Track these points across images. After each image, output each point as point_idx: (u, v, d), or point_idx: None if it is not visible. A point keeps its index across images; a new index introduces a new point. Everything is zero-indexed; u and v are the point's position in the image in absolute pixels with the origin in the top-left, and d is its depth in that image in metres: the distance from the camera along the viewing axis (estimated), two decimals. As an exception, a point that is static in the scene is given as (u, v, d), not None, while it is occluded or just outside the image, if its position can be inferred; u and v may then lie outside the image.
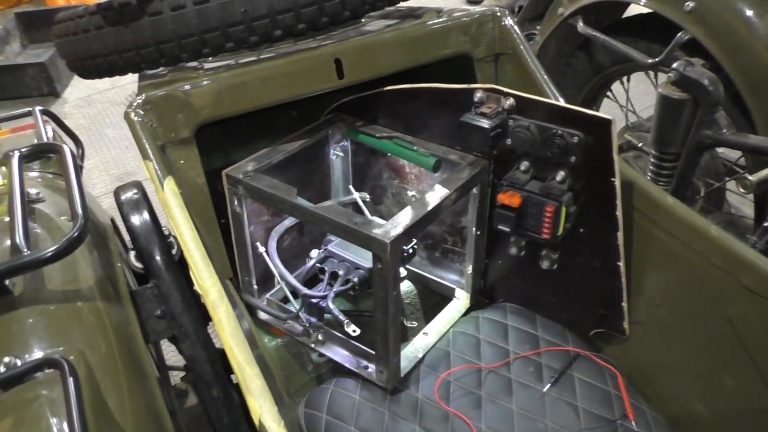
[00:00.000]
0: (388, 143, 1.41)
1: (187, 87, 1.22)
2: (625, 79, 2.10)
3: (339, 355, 1.34)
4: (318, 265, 1.40)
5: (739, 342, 1.10)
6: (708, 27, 1.59)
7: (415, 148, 1.37)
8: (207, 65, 1.33)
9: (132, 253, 1.24)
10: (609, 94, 2.17)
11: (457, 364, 1.31)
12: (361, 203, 1.53)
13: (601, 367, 1.30)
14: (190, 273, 1.05)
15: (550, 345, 1.34)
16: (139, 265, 1.22)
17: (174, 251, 1.23)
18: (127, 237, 1.26)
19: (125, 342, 1.02)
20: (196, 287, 1.04)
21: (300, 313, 1.34)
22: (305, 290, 1.32)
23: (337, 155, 1.54)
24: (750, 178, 1.43)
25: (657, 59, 1.73)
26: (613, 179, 1.17)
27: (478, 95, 1.26)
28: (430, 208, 1.17)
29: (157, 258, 1.16)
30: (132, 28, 1.26)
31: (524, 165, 1.26)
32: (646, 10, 1.88)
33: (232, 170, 1.29)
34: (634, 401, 1.23)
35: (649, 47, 1.87)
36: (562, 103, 1.16)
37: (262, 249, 1.36)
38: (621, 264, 1.23)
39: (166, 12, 1.23)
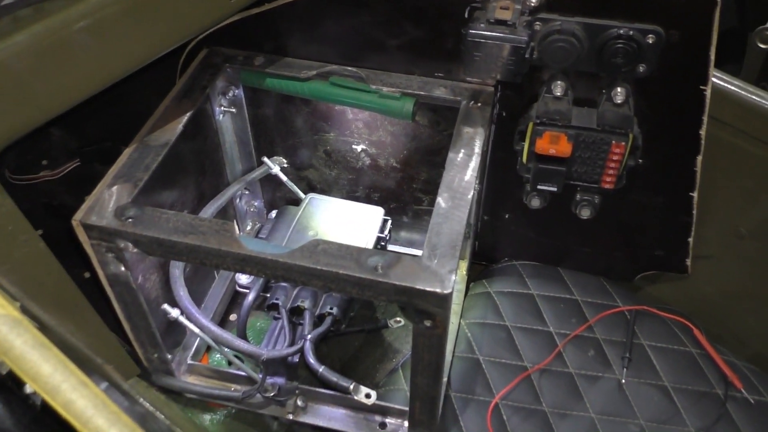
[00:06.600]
0: (323, 86, 0.88)
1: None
2: None
3: (336, 418, 0.90)
4: (265, 297, 0.89)
5: None
6: None
7: (374, 88, 0.86)
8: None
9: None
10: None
11: (494, 373, 0.94)
12: (282, 177, 1.00)
13: (667, 322, 1.01)
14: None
15: (597, 309, 1.01)
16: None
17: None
18: None
19: None
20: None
21: (264, 383, 0.86)
22: (267, 353, 0.83)
23: (226, 112, 0.97)
24: None
25: None
26: (703, 87, 0.79)
27: (479, -10, 0.77)
28: (469, 202, 0.72)
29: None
30: None
31: (560, 87, 0.82)
32: None
33: (91, 214, 0.70)
34: (726, 358, 0.97)
35: None
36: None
37: (174, 313, 0.82)
38: (695, 195, 0.90)
39: None
